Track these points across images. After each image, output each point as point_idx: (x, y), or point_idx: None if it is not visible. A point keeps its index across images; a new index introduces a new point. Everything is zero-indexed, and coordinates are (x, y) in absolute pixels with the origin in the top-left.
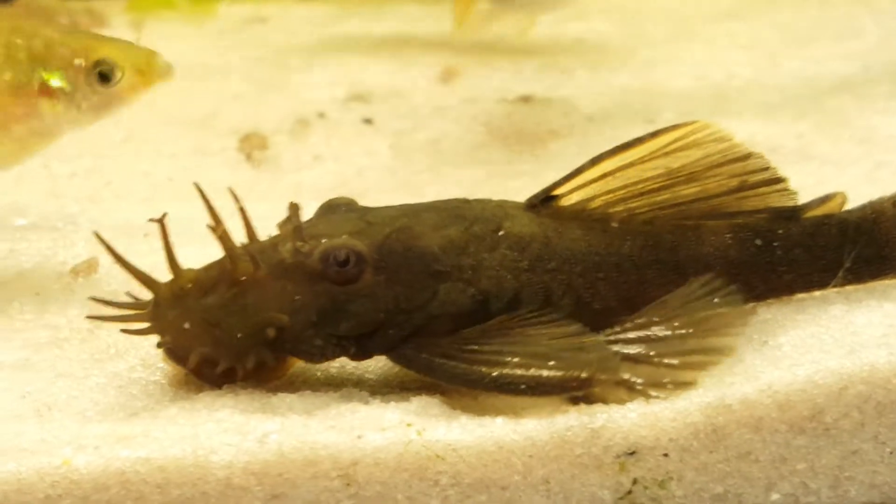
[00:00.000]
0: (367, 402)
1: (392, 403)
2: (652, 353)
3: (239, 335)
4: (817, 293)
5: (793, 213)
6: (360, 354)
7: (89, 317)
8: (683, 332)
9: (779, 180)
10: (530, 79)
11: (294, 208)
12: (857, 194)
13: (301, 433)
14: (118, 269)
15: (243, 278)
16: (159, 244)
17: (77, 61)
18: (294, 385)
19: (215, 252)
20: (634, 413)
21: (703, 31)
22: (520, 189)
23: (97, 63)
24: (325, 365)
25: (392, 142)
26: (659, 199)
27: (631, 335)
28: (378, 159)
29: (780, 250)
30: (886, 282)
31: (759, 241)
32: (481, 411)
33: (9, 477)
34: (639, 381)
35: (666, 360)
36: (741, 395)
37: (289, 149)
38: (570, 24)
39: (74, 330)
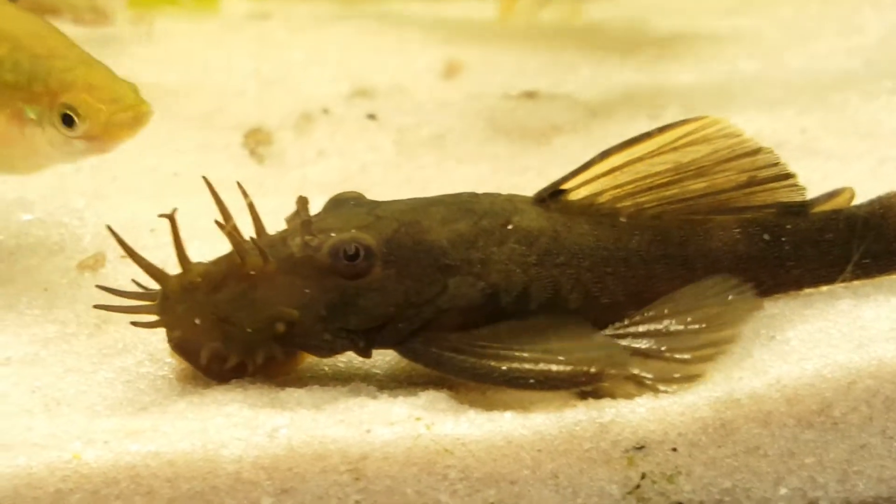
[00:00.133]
0: (375, 397)
1: (400, 398)
2: (663, 349)
3: (249, 330)
4: (824, 288)
5: (801, 209)
6: (369, 348)
7: (97, 306)
8: (695, 327)
9: (788, 176)
10: (534, 74)
11: (302, 202)
12: (862, 189)
13: (310, 427)
14: (125, 264)
15: (252, 273)
16: (166, 239)
17: (46, 99)
18: (302, 380)
19: (221, 247)
20: (643, 408)
21: (708, 26)
22: (524, 184)
23: (63, 105)
24: (332, 360)
25: (396, 137)
26: (667, 193)
27: (640, 329)
28: (382, 155)
29: (789, 245)
30: (894, 277)
31: (767, 237)
32: (489, 406)
33: (19, 471)
34: (648, 375)
35: (677, 355)
36: (750, 389)
37: (293, 144)
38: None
39: (82, 325)
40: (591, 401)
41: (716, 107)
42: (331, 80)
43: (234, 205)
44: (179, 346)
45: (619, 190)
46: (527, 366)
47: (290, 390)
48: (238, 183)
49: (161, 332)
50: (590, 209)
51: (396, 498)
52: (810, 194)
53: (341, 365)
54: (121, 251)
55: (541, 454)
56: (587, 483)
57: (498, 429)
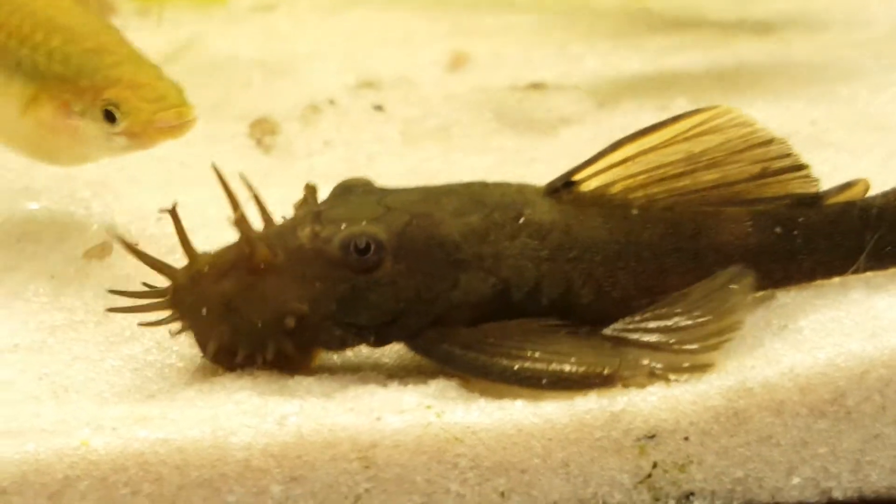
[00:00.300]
0: (385, 385)
1: (410, 386)
2: (672, 341)
3: (258, 324)
4: (836, 279)
5: (814, 200)
6: (379, 343)
7: (109, 309)
8: (703, 319)
9: (801, 167)
10: (540, 65)
11: (310, 189)
12: (872, 182)
13: (320, 415)
14: None
15: (261, 265)
16: (172, 228)
17: (90, 93)
18: (311, 368)
19: (230, 236)
20: (654, 396)
21: (716, 16)
22: (531, 176)
23: (105, 101)
24: None
25: (402, 128)
26: (679, 184)
27: (651, 325)
28: (388, 146)
29: (801, 238)
30: None
31: (779, 229)
32: (500, 394)
33: (28, 457)
34: (658, 366)
35: (685, 346)
36: (762, 378)
37: (299, 135)
38: None
39: (90, 312)
40: (602, 389)
41: (724, 98)
42: (337, 71)
43: (242, 195)
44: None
45: (630, 181)
46: (539, 365)
47: (299, 378)
48: (241, 175)
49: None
50: (601, 200)
51: (406, 486)
52: (821, 186)
53: (351, 354)
54: (128, 240)
55: (551, 443)
56: (598, 472)
57: (508, 417)
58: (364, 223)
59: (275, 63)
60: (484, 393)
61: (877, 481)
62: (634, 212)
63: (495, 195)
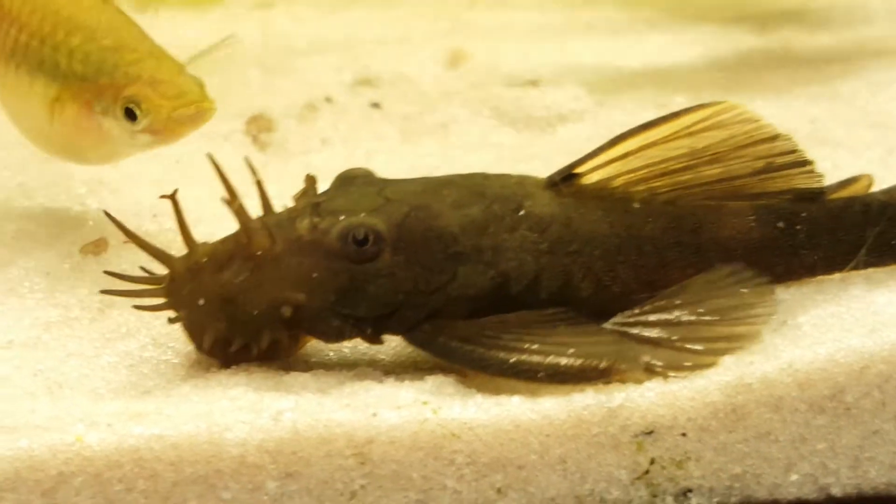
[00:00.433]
0: (381, 381)
1: (406, 382)
2: (674, 338)
3: (254, 312)
4: (837, 274)
5: (817, 196)
6: (377, 335)
7: (103, 291)
8: (708, 318)
9: (805, 163)
10: (538, 63)
11: (311, 181)
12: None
13: (315, 411)
14: (127, 249)
15: (259, 253)
16: (169, 225)
17: (111, 92)
18: (307, 364)
19: (227, 231)
20: (652, 392)
21: (711, 12)
22: (529, 173)
23: (126, 98)
24: (337, 344)
25: (400, 126)
26: (681, 179)
27: (651, 318)
28: (386, 143)
29: (804, 233)
30: None
31: (782, 224)
32: (497, 390)
33: (21, 454)
34: (658, 363)
35: (688, 346)
36: (761, 373)
37: (296, 132)
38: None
39: (85, 309)
40: (599, 385)
41: (723, 95)
42: (334, 68)
43: (240, 188)
44: (185, 328)
45: (632, 175)
46: (536, 358)
47: (294, 374)
48: (246, 158)
49: (164, 317)
50: (602, 194)
51: (402, 482)
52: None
53: (346, 350)
54: (123, 236)
55: (549, 439)
56: (595, 468)
57: (506, 413)
58: (363, 214)
59: (272, 60)
60: (481, 388)
61: (875, 478)
62: (636, 205)
63: (495, 187)
